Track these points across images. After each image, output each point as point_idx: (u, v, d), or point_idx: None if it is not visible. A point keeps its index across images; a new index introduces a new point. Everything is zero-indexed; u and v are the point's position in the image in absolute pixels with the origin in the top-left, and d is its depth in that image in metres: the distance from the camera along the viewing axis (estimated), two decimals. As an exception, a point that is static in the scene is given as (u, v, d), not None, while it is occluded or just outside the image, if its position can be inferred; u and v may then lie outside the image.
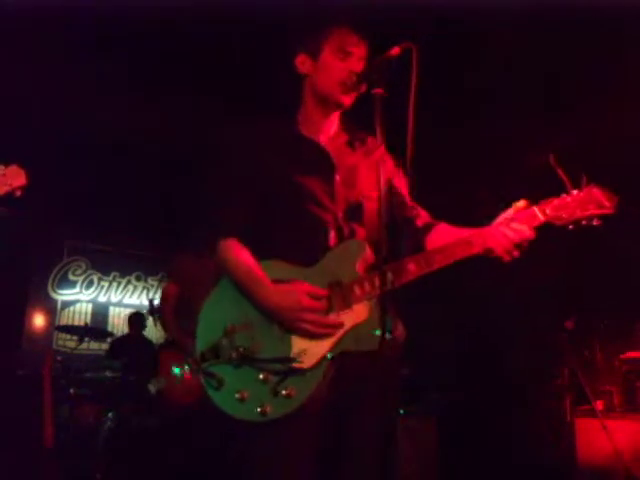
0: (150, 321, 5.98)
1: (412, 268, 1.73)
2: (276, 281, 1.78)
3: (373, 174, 1.88)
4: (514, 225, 1.72)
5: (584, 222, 1.69)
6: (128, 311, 7.81)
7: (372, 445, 1.65)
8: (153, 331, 6.80)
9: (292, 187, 1.88)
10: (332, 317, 1.73)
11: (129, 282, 8.33)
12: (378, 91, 1.67)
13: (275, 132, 2.01)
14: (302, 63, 1.99)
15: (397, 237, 1.76)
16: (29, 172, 2.22)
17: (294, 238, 1.86)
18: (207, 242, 1.94)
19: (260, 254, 1.85)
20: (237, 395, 1.71)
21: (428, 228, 1.99)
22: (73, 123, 5.30)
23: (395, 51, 1.67)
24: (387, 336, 1.52)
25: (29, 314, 7.40)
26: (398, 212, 2.00)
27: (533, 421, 5.03)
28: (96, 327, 7.17)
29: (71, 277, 7.86)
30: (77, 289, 7.90)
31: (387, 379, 1.57)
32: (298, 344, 1.72)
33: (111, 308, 8.16)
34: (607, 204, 1.68)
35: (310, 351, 1.71)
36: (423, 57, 1.62)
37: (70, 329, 6.29)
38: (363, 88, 1.85)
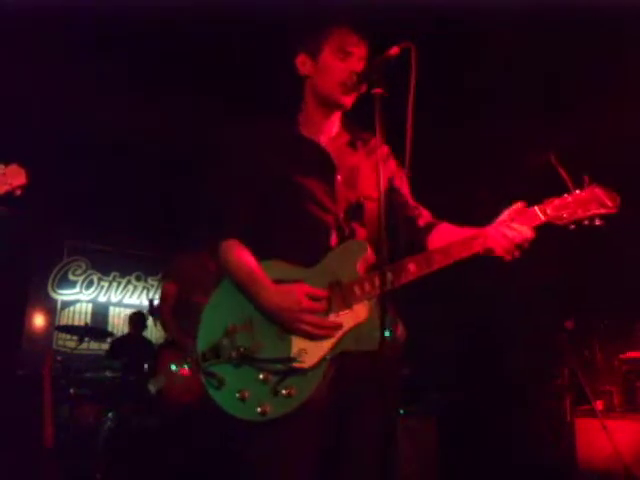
0: (150, 321, 5.99)
1: (412, 268, 1.73)
2: (276, 281, 1.78)
3: (374, 174, 1.88)
4: (515, 225, 1.72)
5: (586, 222, 1.69)
6: (128, 311, 7.81)
7: (372, 445, 1.65)
8: (153, 331, 6.82)
9: (293, 188, 1.89)
10: (332, 318, 1.73)
11: (129, 282, 8.33)
12: (378, 91, 1.67)
13: (276, 133, 2.01)
14: (302, 64, 1.99)
15: (397, 237, 1.76)
16: (29, 172, 2.21)
17: (295, 238, 1.86)
18: (209, 243, 1.95)
19: (261, 254, 1.86)
20: (237, 395, 1.71)
21: (430, 228, 1.99)
22: (73, 123, 5.30)
23: (394, 51, 1.67)
24: (387, 336, 1.52)
25: (29, 314, 7.40)
26: (400, 212, 2.00)
27: (533, 421, 5.03)
28: (96, 327, 7.16)
29: (71, 277, 7.87)
30: (77, 289, 7.90)
31: (387, 379, 1.57)
32: (298, 344, 1.72)
33: (111, 308, 8.16)
34: (609, 204, 1.67)
35: (310, 351, 1.71)
36: (423, 57, 1.63)
37: (70, 329, 6.28)
38: (363, 88, 1.85)
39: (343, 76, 1.88)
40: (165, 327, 4.41)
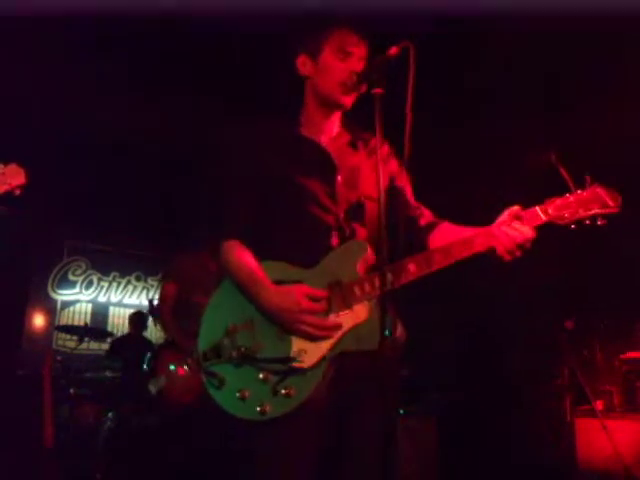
0: (150, 321, 5.99)
1: (412, 269, 1.73)
2: (277, 282, 1.79)
3: (375, 174, 1.88)
4: (516, 225, 1.72)
5: (587, 222, 1.68)
6: (128, 311, 7.82)
7: (372, 445, 1.65)
8: (153, 331, 6.81)
9: (293, 188, 1.89)
10: (332, 318, 1.74)
11: (129, 282, 8.33)
12: (378, 91, 1.67)
13: (276, 133, 2.02)
14: (303, 64, 2.00)
15: (398, 237, 1.75)
16: (29, 172, 2.21)
17: (295, 239, 1.87)
18: (210, 243, 1.96)
19: (261, 255, 1.87)
20: (238, 394, 1.72)
21: (431, 227, 2.00)
22: (73, 123, 5.30)
23: (393, 51, 1.67)
24: (387, 336, 1.52)
25: (29, 314, 7.40)
26: (401, 211, 1.99)
27: (533, 421, 5.03)
28: (96, 327, 7.17)
29: (71, 277, 7.86)
30: (77, 289, 7.90)
31: (387, 379, 1.57)
32: (298, 344, 1.72)
33: (111, 308, 8.16)
34: (611, 203, 1.67)
35: (309, 351, 1.71)
36: (423, 57, 1.63)
37: (70, 329, 6.27)
38: (363, 88, 1.85)
39: (343, 76, 1.88)
40: (164, 327, 4.41)
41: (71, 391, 4.81)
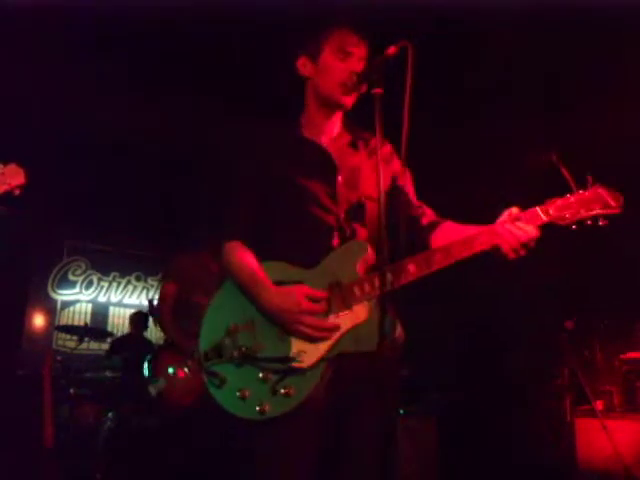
0: (151, 321, 5.99)
1: (412, 269, 1.72)
2: (277, 282, 1.79)
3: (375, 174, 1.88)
4: (520, 224, 1.71)
5: (589, 222, 1.67)
6: (128, 311, 7.82)
7: (371, 445, 1.65)
8: (154, 331, 6.81)
9: (294, 189, 1.90)
10: (331, 318, 1.74)
11: (129, 282, 8.33)
12: (378, 91, 1.67)
13: (277, 134, 2.03)
14: (303, 65, 2.00)
15: (399, 237, 1.75)
16: (29, 172, 2.21)
17: (296, 239, 1.87)
18: (211, 244, 1.97)
19: (262, 255, 1.88)
20: (238, 394, 1.73)
21: (433, 226, 1.99)
22: (73, 123, 5.30)
23: (391, 50, 1.67)
24: (386, 337, 1.52)
25: (29, 314, 7.40)
26: (403, 211, 1.99)
27: (533, 421, 5.03)
28: (96, 327, 7.16)
29: (71, 277, 7.86)
30: (77, 289, 7.90)
31: (386, 380, 1.57)
32: (297, 345, 1.73)
33: (111, 308, 8.16)
34: (613, 204, 1.66)
35: (309, 351, 1.72)
36: (423, 57, 1.63)
37: (70, 329, 6.27)
38: (363, 88, 1.85)
39: (343, 76, 1.88)
40: (163, 328, 4.40)
41: (71, 391, 4.81)
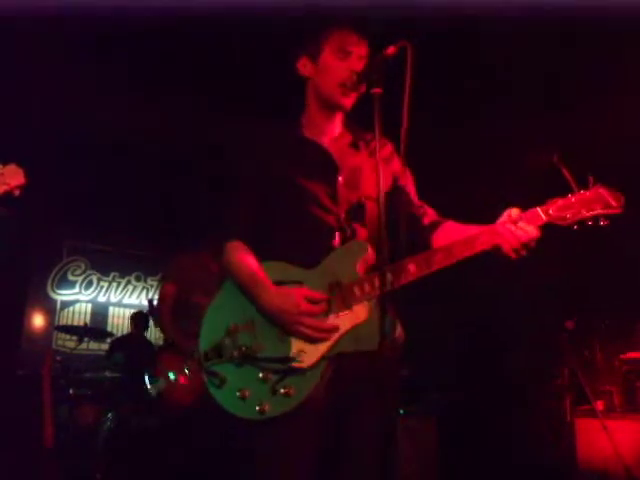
0: (152, 321, 5.98)
1: (412, 269, 1.72)
2: (277, 283, 1.80)
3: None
4: (521, 224, 1.71)
5: (590, 222, 1.67)
6: (128, 311, 7.81)
7: (371, 445, 1.65)
8: (153, 331, 6.81)
9: (295, 190, 1.90)
10: (331, 318, 1.74)
11: (129, 282, 8.32)
12: (377, 91, 1.67)
13: (278, 134, 2.03)
14: (304, 66, 2.01)
15: (399, 237, 1.76)
16: (29, 171, 2.20)
17: (296, 240, 1.88)
18: (212, 244, 1.97)
19: (263, 255, 1.88)
20: (238, 393, 1.73)
21: (435, 226, 1.99)
22: (73, 123, 5.29)
23: (391, 50, 1.67)
24: (386, 337, 1.52)
25: (28, 314, 7.40)
26: (404, 211, 1.99)
27: (533, 421, 5.03)
28: (95, 327, 7.16)
29: (70, 277, 7.86)
30: (76, 289, 7.90)
31: (386, 379, 1.57)
32: (297, 345, 1.73)
33: (110, 308, 8.15)
34: (614, 204, 1.66)
35: (308, 351, 1.72)
36: (423, 57, 1.63)
37: (70, 329, 6.27)
38: (363, 88, 1.85)
39: (343, 76, 1.88)
40: (163, 328, 4.39)
41: (71, 391, 4.81)
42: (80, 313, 7.89)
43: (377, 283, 1.64)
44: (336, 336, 1.72)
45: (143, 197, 6.46)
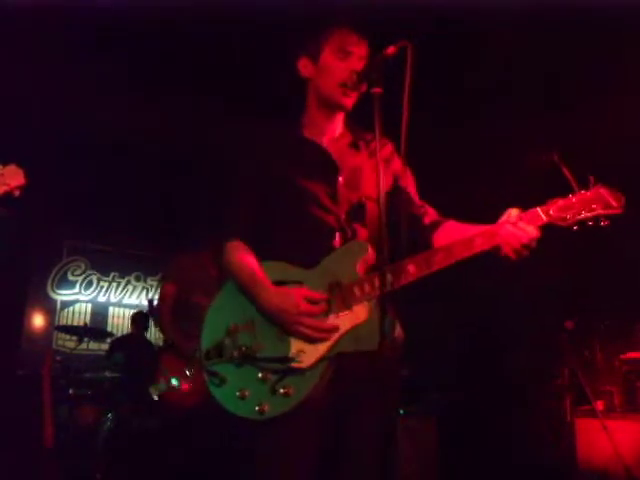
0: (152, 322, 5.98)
1: (412, 269, 1.72)
2: (277, 282, 1.80)
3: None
4: (521, 224, 1.71)
5: (590, 223, 1.67)
6: (127, 311, 7.81)
7: (371, 446, 1.65)
8: (153, 332, 6.80)
9: (294, 189, 1.90)
10: (331, 319, 1.74)
11: (129, 282, 8.32)
12: (377, 90, 1.67)
13: (278, 135, 2.03)
14: (304, 66, 2.00)
15: (399, 237, 1.75)
16: (29, 171, 2.19)
17: (296, 240, 1.87)
18: (212, 244, 1.96)
19: (262, 255, 1.88)
20: (238, 393, 1.74)
21: (436, 226, 1.99)
22: (73, 123, 5.29)
23: (391, 50, 1.67)
24: (386, 337, 1.52)
25: (28, 314, 7.39)
26: (405, 210, 1.99)
27: (533, 421, 5.03)
28: (95, 327, 7.16)
29: (70, 277, 7.86)
30: (76, 289, 7.90)
31: (386, 379, 1.57)
32: (296, 345, 1.73)
33: (110, 308, 8.15)
34: (615, 204, 1.65)
35: (308, 352, 1.72)
36: (423, 57, 1.63)
37: (69, 329, 6.27)
38: (363, 88, 1.85)
39: (343, 76, 1.88)
40: (163, 328, 4.39)
41: (70, 391, 4.81)
42: (80, 313, 7.89)
43: (377, 283, 1.64)
44: (336, 336, 1.72)
45: (143, 197, 6.46)
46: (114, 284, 8.21)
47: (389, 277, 1.63)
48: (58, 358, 5.26)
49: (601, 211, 1.66)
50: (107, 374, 4.93)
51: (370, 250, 1.79)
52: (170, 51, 4.45)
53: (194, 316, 3.93)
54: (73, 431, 4.69)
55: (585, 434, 4.27)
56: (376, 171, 1.66)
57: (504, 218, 1.76)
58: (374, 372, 1.58)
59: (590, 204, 1.67)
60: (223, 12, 3.74)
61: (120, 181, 6.11)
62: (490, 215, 1.80)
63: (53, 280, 7.72)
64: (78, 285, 7.91)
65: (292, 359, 1.71)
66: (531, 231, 1.69)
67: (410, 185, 2.07)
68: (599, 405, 4.32)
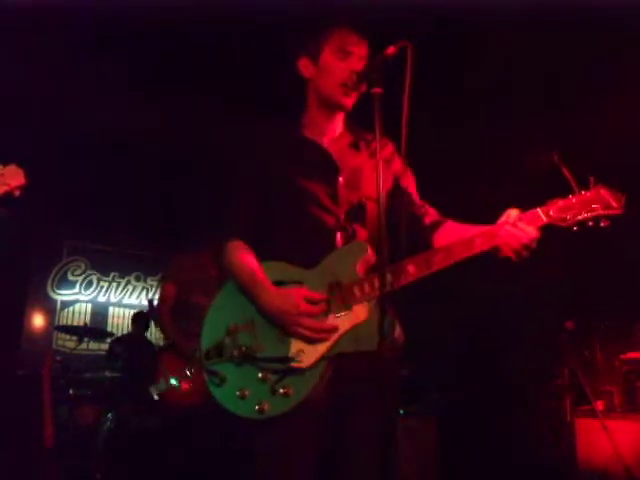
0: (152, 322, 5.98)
1: (411, 270, 1.72)
2: (277, 283, 1.80)
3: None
4: (521, 225, 1.70)
5: (590, 223, 1.66)
6: (127, 311, 7.81)
7: (371, 445, 1.65)
8: (153, 332, 6.81)
9: (294, 189, 1.90)
10: (331, 319, 1.74)
11: (128, 282, 8.32)
12: (377, 90, 1.68)
13: (278, 135, 2.03)
14: (304, 67, 2.00)
15: (400, 237, 1.75)
16: (29, 172, 2.19)
17: (296, 240, 1.87)
18: (212, 244, 1.96)
19: (263, 255, 1.88)
20: (238, 393, 1.74)
21: (436, 226, 1.99)
22: (73, 123, 5.29)
23: (391, 50, 1.67)
24: (386, 337, 1.52)
25: (28, 314, 7.39)
26: (405, 211, 1.99)
27: (533, 421, 5.03)
28: (95, 327, 7.15)
29: (70, 277, 7.86)
30: (76, 289, 7.90)
31: (386, 380, 1.57)
32: (296, 345, 1.73)
33: (110, 308, 8.15)
34: (615, 204, 1.65)
35: (308, 352, 1.72)
36: (423, 57, 1.63)
37: (69, 329, 6.27)
38: (363, 88, 1.85)
39: (343, 76, 1.88)
40: (163, 328, 4.39)
41: (70, 391, 4.81)
42: (80, 313, 7.88)
43: (377, 284, 1.64)
44: (335, 336, 1.72)
45: (143, 197, 6.46)
46: (114, 284, 8.20)
47: (389, 277, 1.64)
48: (58, 358, 5.26)
49: (601, 211, 1.65)
50: (107, 374, 4.93)
51: (370, 250, 1.79)
52: (170, 51, 4.45)
53: (194, 316, 3.93)
54: (73, 431, 4.70)
55: (585, 434, 4.27)
56: (376, 171, 1.66)
57: (504, 219, 1.76)
58: (374, 372, 1.59)
59: (590, 204, 1.66)
60: (223, 12, 3.74)
61: (120, 181, 6.11)
62: (490, 215, 1.80)
63: (53, 280, 7.72)
64: (78, 285, 7.91)
65: (292, 359, 1.71)
66: (531, 232, 1.69)
67: (411, 185, 2.07)
68: (599, 405, 4.32)
